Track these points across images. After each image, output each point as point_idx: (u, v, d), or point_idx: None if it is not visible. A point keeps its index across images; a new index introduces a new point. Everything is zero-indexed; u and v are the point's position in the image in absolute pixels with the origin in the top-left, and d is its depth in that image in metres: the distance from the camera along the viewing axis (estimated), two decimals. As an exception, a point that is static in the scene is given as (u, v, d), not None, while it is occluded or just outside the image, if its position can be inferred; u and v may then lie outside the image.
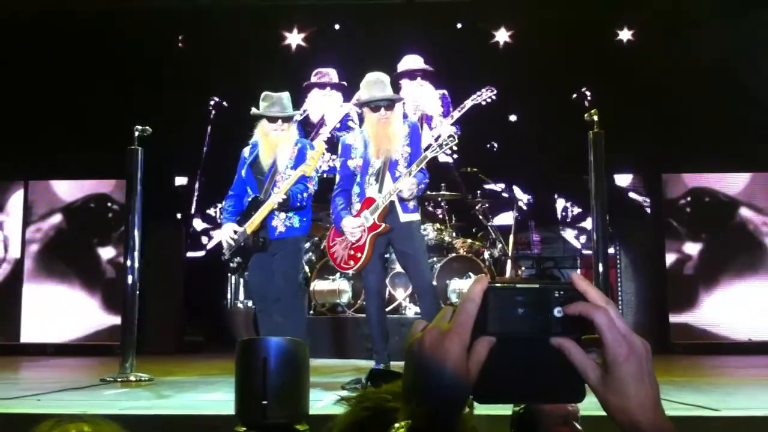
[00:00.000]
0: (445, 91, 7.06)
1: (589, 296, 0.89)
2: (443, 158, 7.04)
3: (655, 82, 8.48)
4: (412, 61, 7.23)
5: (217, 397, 4.48)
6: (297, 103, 6.28)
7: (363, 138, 5.18)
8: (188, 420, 3.53)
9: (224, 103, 9.06)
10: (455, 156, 7.54)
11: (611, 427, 0.88)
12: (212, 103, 8.99)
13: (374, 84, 5.17)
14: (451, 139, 4.97)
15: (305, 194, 5.20)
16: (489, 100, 6.85)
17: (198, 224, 9.52)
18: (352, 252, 5.16)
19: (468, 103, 6.87)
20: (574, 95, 7.81)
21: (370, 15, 9.29)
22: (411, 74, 7.03)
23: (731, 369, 6.21)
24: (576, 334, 0.89)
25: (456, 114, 6.89)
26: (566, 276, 9.11)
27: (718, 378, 5.53)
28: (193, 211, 9.39)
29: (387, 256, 5.71)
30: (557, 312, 0.88)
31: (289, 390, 2.85)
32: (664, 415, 0.87)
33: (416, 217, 5.22)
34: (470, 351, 0.88)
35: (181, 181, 9.50)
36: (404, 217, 5.08)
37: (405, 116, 5.74)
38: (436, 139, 5.07)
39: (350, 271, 5.60)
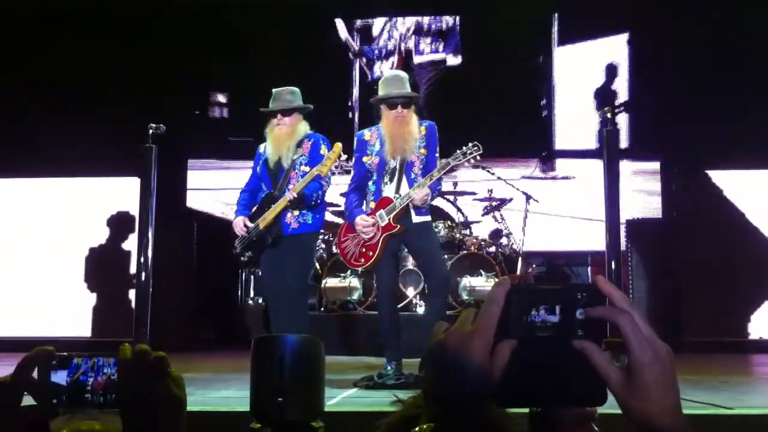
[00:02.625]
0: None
1: (614, 299, 0.89)
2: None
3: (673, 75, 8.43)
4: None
5: (231, 394, 4.51)
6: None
7: (379, 134, 5.17)
8: (203, 416, 3.54)
9: (232, 99, 9.07)
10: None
11: (625, 426, 0.89)
12: (221, 99, 8.99)
13: (391, 81, 5.15)
14: (476, 149, 4.92)
15: (319, 192, 5.20)
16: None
17: (210, 219, 9.52)
18: (364, 250, 5.15)
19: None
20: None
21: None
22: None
23: (744, 367, 6.19)
24: (598, 336, 0.89)
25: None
26: (576, 273, 9.10)
27: (731, 376, 5.51)
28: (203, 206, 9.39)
29: (400, 253, 5.70)
30: (579, 314, 0.88)
31: (305, 387, 2.85)
32: (683, 419, 0.87)
33: (428, 218, 5.19)
34: (492, 353, 0.89)
35: (193, 176, 9.50)
36: (417, 219, 5.07)
37: (422, 115, 5.65)
38: (461, 149, 5.00)
39: (360, 269, 5.60)
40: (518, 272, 7.64)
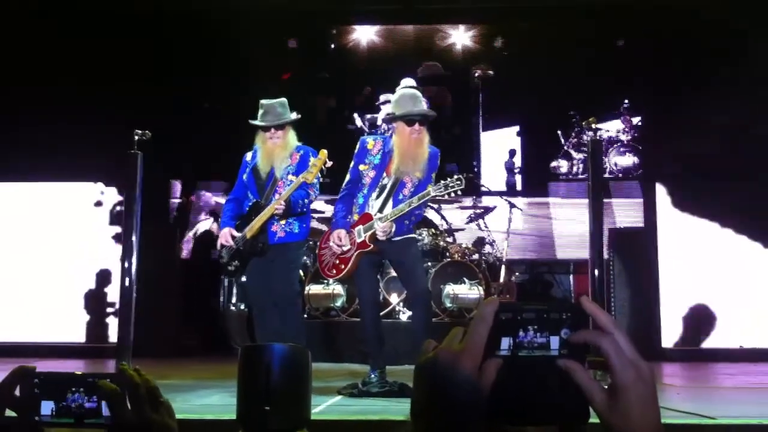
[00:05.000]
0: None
1: (598, 320, 0.91)
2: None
3: (647, 87, 8.54)
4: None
5: (215, 402, 4.50)
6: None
7: (382, 147, 5.14)
8: (188, 425, 3.54)
9: (218, 106, 9.05)
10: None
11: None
12: (207, 107, 8.98)
13: (410, 98, 5.10)
14: (459, 183, 4.88)
15: (306, 200, 5.20)
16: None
17: (193, 228, 9.50)
18: (337, 262, 5.17)
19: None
20: (571, 112, 7.81)
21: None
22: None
23: (724, 376, 6.24)
24: (582, 355, 0.91)
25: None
26: (559, 281, 9.15)
27: (712, 385, 5.56)
28: (188, 213, 9.37)
29: (382, 265, 5.70)
30: (564, 334, 0.91)
31: (292, 396, 2.86)
32: None
33: (410, 234, 5.17)
34: (480, 371, 0.90)
35: (177, 184, 9.48)
36: (396, 237, 5.04)
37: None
38: (445, 179, 4.98)
39: (331, 279, 5.57)
40: (501, 280, 7.68)
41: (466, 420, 0.91)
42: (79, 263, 8.41)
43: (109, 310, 8.30)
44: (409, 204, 4.93)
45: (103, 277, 8.38)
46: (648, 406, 0.89)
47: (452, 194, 4.96)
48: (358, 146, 5.26)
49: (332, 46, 9.70)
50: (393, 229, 4.96)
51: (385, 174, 5.09)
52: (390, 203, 5.05)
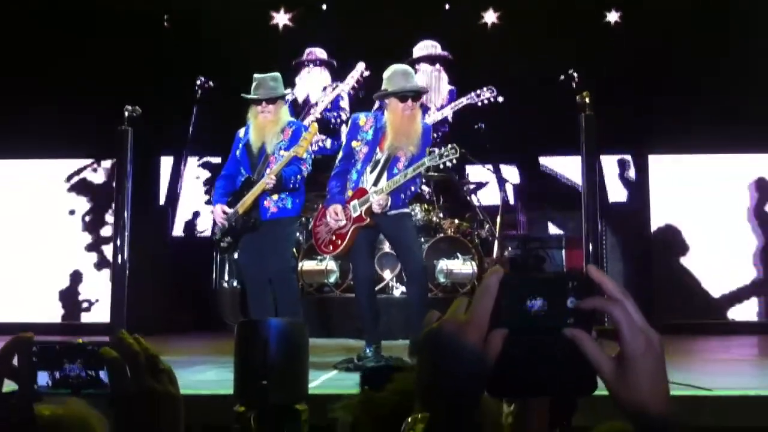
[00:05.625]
0: (453, 88, 7.03)
1: (606, 288, 0.89)
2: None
3: (642, 63, 8.52)
4: (431, 47, 7.20)
5: (211, 377, 4.50)
6: (288, 83, 6.25)
7: (374, 124, 5.13)
8: (187, 400, 3.53)
9: (210, 83, 8.95)
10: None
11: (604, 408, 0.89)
12: (199, 82, 8.88)
13: (402, 75, 5.10)
14: (453, 151, 4.92)
15: (298, 176, 5.18)
16: (486, 102, 6.84)
17: (184, 204, 9.44)
18: (334, 238, 5.18)
19: (464, 101, 6.87)
20: (562, 76, 7.82)
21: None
22: (431, 60, 7.00)
23: (717, 349, 6.28)
24: (589, 325, 0.89)
25: (449, 110, 6.87)
26: (551, 256, 9.15)
27: (706, 357, 5.60)
28: (179, 190, 9.30)
29: (376, 241, 5.71)
30: (570, 303, 0.89)
31: (289, 371, 2.84)
32: (672, 406, 0.88)
33: (405, 209, 5.19)
34: (485, 342, 0.89)
35: (167, 161, 9.42)
36: (392, 211, 5.04)
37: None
38: (439, 149, 5.03)
39: (328, 255, 5.58)
40: (494, 255, 7.67)
41: (471, 392, 0.90)
42: (70, 242, 8.37)
43: (93, 289, 8.29)
44: (404, 175, 4.93)
45: (97, 254, 8.35)
46: (658, 377, 0.87)
47: (448, 163, 4.97)
48: (349, 123, 5.28)
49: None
50: (389, 203, 4.95)
51: (378, 149, 5.07)
52: (384, 177, 5.04)
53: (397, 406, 1.15)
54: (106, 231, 8.45)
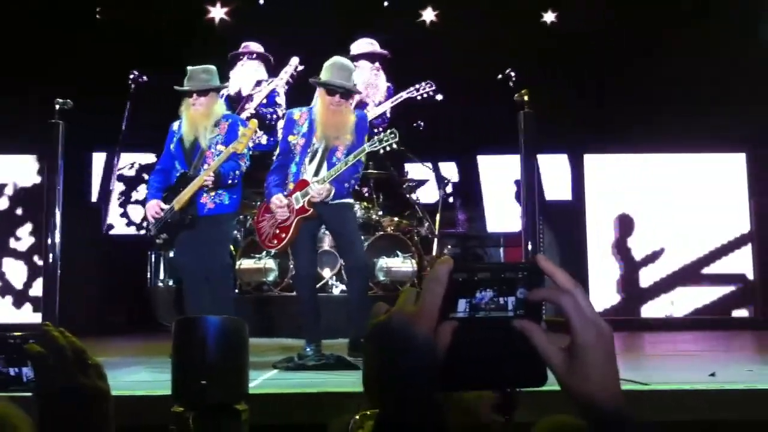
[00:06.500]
0: (391, 85, 7.03)
1: (555, 278, 0.87)
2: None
3: (579, 63, 8.67)
4: (369, 44, 7.17)
5: (145, 377, 4.39)
6: (224, 77, 6.14)
7: (309, 117, 5.09)
8: (122, 401, 3.43)
9: (144, 77, 8.75)
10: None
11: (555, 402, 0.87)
12: (132, 76, 8.68)
13: (338, 69, 5.06)
14: (392, 136, 4.90)
15: (237, 172, 5.10)
16: (425, 95, 6.89)
17: (116, 201, 9.22)
18: (278, 231, 5.11)
19: (403, 95, 6.90)
20: (500, 75, 7.92)
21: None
22: (370, 57, 6.97)
23: (653, 344, 6.42)
24: (539, 316, 0.87)
25: (388, 104, 6.87)
26: (490, 255, 9.23)
27: (642, 352, 5.71)
28: (111, 187, 9.08)
29: (317, 235, 5.67)
30: (520, 294, 0.86)
31: (229, 370, 2.79)
32: (622, 396, 0.87)
33: (348, 199, 5.17)
34: (435, 334, 0.86)
35: (98, 157, 9.18)
36: (334, 201, 5.01)
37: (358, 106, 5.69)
38: (378, 135, 5.02)
39: (273, 250, 5.53)
40: (434, 253, 7.69)
41: (422, 385, 0.87)
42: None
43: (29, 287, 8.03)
44: (345, 163, 4.90)
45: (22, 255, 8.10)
46: (608, 367, 0.86)
47: (387, 148, 4.97)
48: (284, 119, 5.26)
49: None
50: (332, 193, 4.90)
51: (314, 140, 5.03)
52: (324, 167, 5.02)
53: None
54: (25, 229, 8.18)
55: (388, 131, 4.96)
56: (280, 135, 5.25)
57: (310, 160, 5.05)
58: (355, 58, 6.88)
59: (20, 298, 8.22)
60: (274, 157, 5.23)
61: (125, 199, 9.27)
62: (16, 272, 8.29)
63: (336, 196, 4.98)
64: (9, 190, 8.39)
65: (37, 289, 7.73)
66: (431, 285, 0.87)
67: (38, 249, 7.44)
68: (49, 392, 1.10)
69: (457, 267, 0.87)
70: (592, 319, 0.86)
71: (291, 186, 5.08)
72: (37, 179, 8.24)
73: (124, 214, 9.24)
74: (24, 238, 8.28)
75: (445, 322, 0.86)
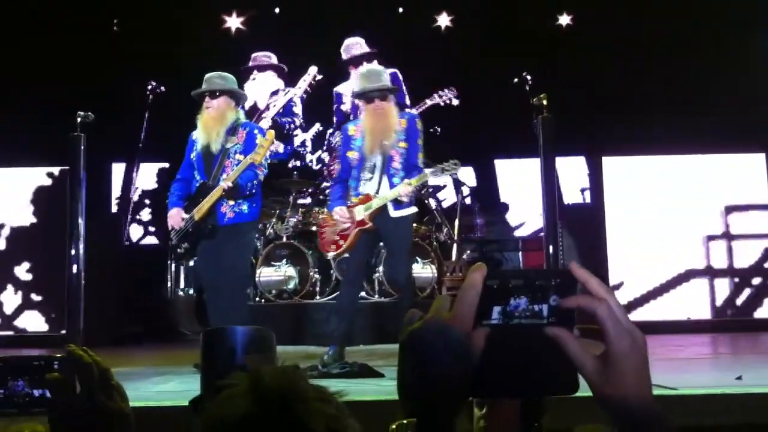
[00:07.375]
0: (396, 70, 7.02)
1: (589, 286, 0.87)
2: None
3: (595, 66, 8.64)
4: (354, 47, 7.15)
5: (171, 388, 4.40)
6: (241, 88, 6.17)
7: (362, 129, 5.21)
8: (147, 412, 3.44)
9: (162, 87, 8.81)
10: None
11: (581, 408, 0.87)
12: (150, 87, 8.74)
13: (367, 75, 5.26)
14: (455, 166, 5.13)
15: (255, 182, 5.13)
16: (448, 101, 6.91)
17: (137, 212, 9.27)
18: (337, 238, 5.34)
19: (428, 103, 6.92)
20: (515, 79, 7.91)
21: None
22: (357, 61, 6.97)
23: (676, 347, 6.36)
24: (571, 323, 0.87)
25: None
26: (508, 259, 9.20)
27: (667, 356, 5.66)
28: (131, 197, 9.13)
29: (375, 248, 5.95)
30: (553, 301, 0.87)
31: (257, 379, 2.79)
32: (656, 403, 0.87)
33: (409, 211, 5.31)
34: (469, 341, 0.86)
35: (118, 167, 9.24)
36: (395, 213, 5.17)
37: (402, 108, 5.80)
38: (442, 164, 5.21)
39: (330, 254, 5.73)
40: (453, 258, 7.67)
41: (456, 392, 0.87)
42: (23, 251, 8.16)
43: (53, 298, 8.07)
44: (408, 184, 5.04)
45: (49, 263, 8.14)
46: (642, 376, 0.86)
47: (447, 176, 5.44)
48: (341, 136, 5.49)
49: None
50: (413, 191, 5.12)
51: (369, 153, 5.18)
52: (385, 180, 5.17)
53: None
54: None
55: (452, 161, 5.15)
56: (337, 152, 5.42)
57: (371, 175, 5.18)
58: (344, 65, 6.92)
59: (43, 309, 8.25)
60: (336, 174, 5.54)
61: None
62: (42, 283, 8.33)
63: (398, 207, 5.17)
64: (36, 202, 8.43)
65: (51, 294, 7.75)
66: (465, 291, 0.87)
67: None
68: (72, 414, 1.10)
69: (491, 274, 0.87)
70: (627, 327, 0.86)
71: (354, 200, 5.25)
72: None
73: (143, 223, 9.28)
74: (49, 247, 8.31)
75: (479, 328, 0.86)
